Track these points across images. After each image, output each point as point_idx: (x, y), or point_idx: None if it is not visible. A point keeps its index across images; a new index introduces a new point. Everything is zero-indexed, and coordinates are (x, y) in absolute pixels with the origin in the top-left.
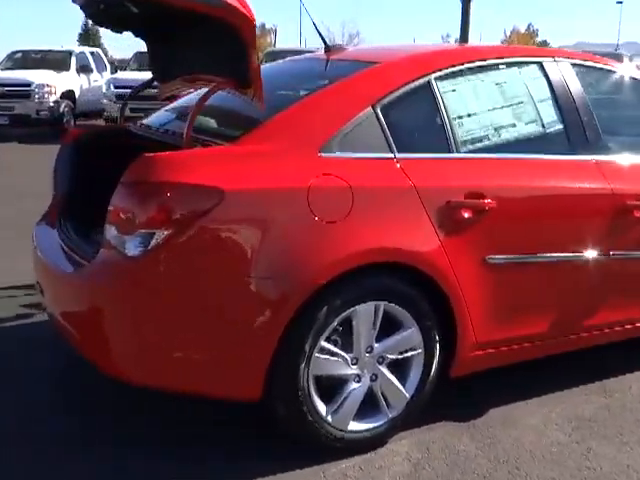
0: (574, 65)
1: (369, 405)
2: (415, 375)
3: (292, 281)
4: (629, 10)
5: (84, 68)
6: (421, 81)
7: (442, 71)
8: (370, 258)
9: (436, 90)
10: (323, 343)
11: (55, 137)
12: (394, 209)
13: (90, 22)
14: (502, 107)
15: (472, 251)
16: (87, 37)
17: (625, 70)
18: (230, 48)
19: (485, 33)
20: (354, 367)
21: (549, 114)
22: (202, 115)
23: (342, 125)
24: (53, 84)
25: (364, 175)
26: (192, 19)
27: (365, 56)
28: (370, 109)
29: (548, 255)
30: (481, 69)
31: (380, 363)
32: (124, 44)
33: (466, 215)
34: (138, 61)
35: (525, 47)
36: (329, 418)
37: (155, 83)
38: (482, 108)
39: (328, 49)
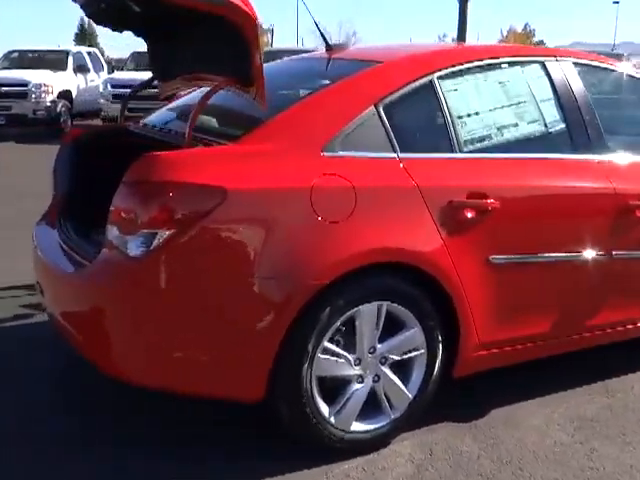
0: (576, 64)
1: (371, 406)
2: (418, 375)
3: (295, 281)
4: (625, 10)
5: (81, 68)
6: (424, 80)
7: (444, 70)
8: (373, 258)
9: (439, 89)
10: (326, 344)
11: (52, 137)
12: (397, 209)
13: (87, 22)
14: (504, 107)
15: (475, 251)
16: (83, 37)
17: (628, 69)
18: (232, 47)
19: (482, 33)
20: (357, 368)
21: (551, 113)
22: (203, 114)
23: (345, 124)
24: (50, 84)
25: (367, 175)
26: (193, 18)
27: (367, 55)
28: (373, 108)
29: (551, 255)
30: (483, 68)
31: (383, 364)
32: (121, 44)
33: (469, 215)
34: (135, 61)
35: (528, 47)
36: (332, 419)
37: (154, 83)
38: (484, 108)
39: (329, 48)
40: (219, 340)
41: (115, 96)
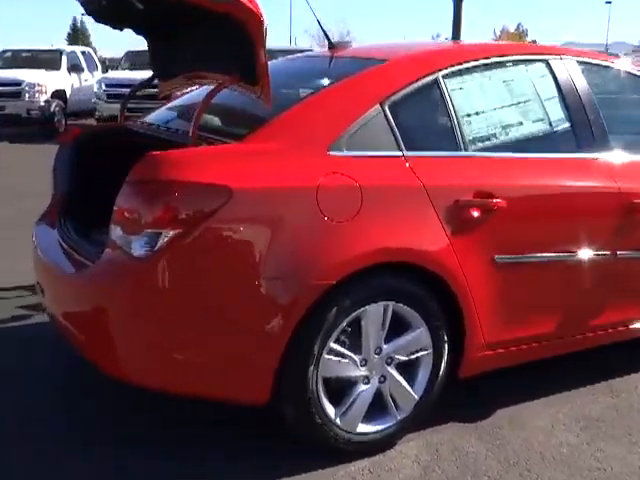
0: (580, 63)
1: (377, 407)
2: (423, 376)
3: (301, 281)
4: (617, 10)
5: (75, 67)
6: (429, 79)
7: (449, 69)
8: (380, 258)
9: (444, 88)
10: (332, 344)
11: (46, 137)
12: (403, 208)
13: (79, 21)
14: (509, 105)
15: (481, 250)
16: (76, 37)
17: (631, 68)
18: (237, 45)
19: (475, 33)
20: (363, 369)
21: (556, 112)
22: (206, 113)
23: (350, 123)
24: (44, 83)
25: (373, 174)
26: (196, 15)
27: (370, 54)
28: (378, 107)
29: (556, 255)
30: (488, 67)
31: (389, 364)
32: (114, 43)
33: (475, 214)
34: (130, 60)
35: (532, 45)
36: (338, 420)
37: (153, 82)
38: (490, 106)
39: (332, 46)
40: (225, 341)
41: (109, 96)
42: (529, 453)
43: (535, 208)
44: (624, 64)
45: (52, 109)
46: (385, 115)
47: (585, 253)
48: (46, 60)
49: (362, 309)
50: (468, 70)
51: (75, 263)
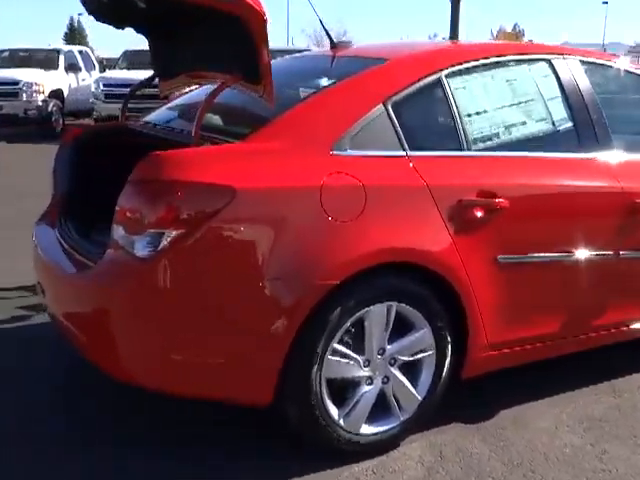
0: (583, 62)
1: (381, 408)
2: (427, 377)
3: (305, 281)
4: (613, 11)
5: (72, 67)
6: (432, 78)
7: (452, 68)
8: (383, 258)
9: (447, 87)
10: (335, 345)
11: (43, 136)
12: (406, 208)
13: (76, 21)
14: (512, 105)
15: (484, 250)
16: (73, 36)
17: (633, 68)
18: (239, 43)
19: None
20: (366, 369)
21: (559, 111)
22: (208, 112)
23: (353, 123)
24: (41, 83)
25: (376, 173)
26: (198, 14)
27: (373, 53)
28: (381, 106)
29: (559, 255)
30: (491, 66)
31: (392, 365)
32: (111, 43)
33: (478, 214)
34: (128, 59)
35: (535, 44)
36: (341, 421)
37: (153, 81)
38: (493, 106)
39: (334, 46)
40: (229, 342)
41: (107, 95)
42: (533, 454)
43: (538, 208)
44: (626, 64)
45: (49, 109)
46: (388, 114)
47: (588, 253)
48: (43, 60)
49: (366, 309)
50: (471, 69)
51: (76, 263)
